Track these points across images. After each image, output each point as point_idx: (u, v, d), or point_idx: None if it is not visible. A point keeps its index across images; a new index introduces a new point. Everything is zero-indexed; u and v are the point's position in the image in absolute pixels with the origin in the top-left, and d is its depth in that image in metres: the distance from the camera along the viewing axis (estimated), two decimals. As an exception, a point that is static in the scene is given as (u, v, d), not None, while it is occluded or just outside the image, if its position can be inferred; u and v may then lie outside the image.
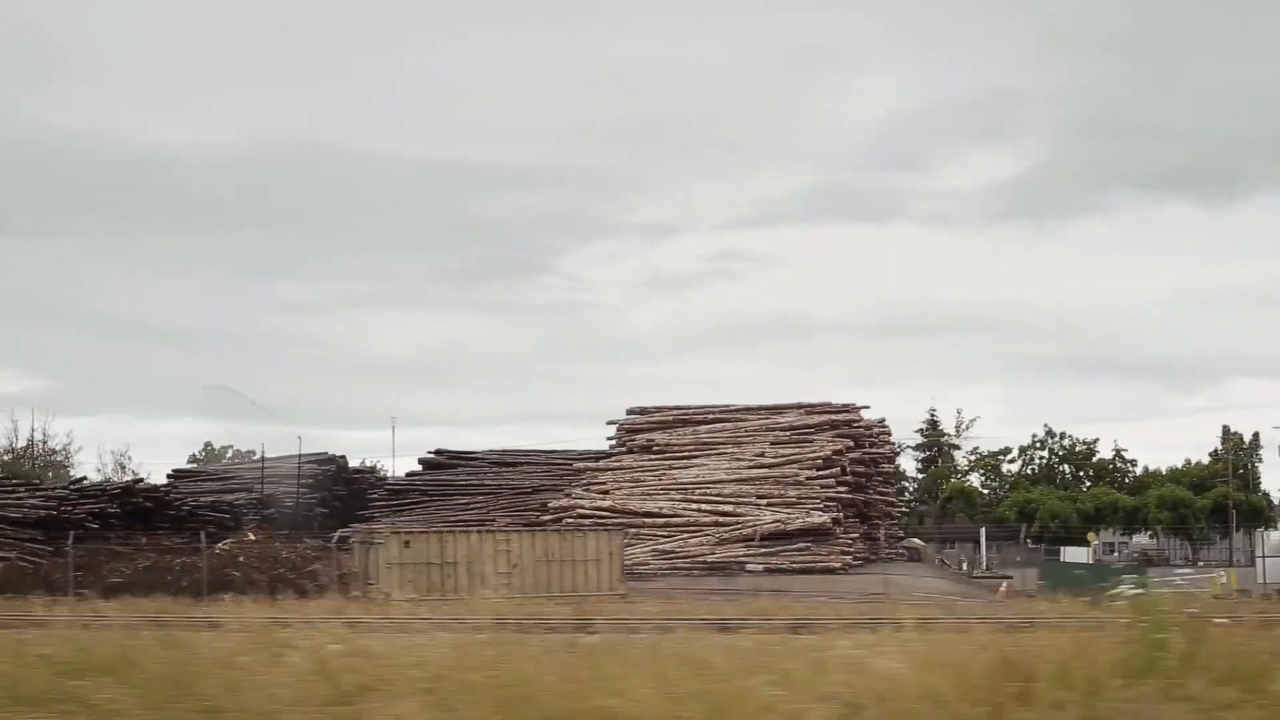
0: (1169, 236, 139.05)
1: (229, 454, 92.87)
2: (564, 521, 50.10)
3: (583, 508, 50.74)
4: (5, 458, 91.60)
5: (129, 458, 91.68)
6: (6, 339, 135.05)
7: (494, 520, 59.56)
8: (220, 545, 38.44)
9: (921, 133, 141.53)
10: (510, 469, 63.02)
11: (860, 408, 56.67)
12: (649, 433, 56.10)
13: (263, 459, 67.44)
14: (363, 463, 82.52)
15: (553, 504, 52.58)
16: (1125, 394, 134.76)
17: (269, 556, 36.17)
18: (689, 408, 57.31)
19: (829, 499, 50.91)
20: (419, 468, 65.56)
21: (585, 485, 53.57)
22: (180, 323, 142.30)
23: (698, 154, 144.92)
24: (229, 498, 68.37)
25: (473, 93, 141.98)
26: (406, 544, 31.91)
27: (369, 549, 32.57)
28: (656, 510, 49.64)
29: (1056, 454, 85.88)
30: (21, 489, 61.77)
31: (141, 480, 65.35)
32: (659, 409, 58.02)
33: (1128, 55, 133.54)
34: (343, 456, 73.87)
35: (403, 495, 62.87)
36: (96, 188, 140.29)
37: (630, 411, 58.40)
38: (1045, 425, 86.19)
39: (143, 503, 63.02)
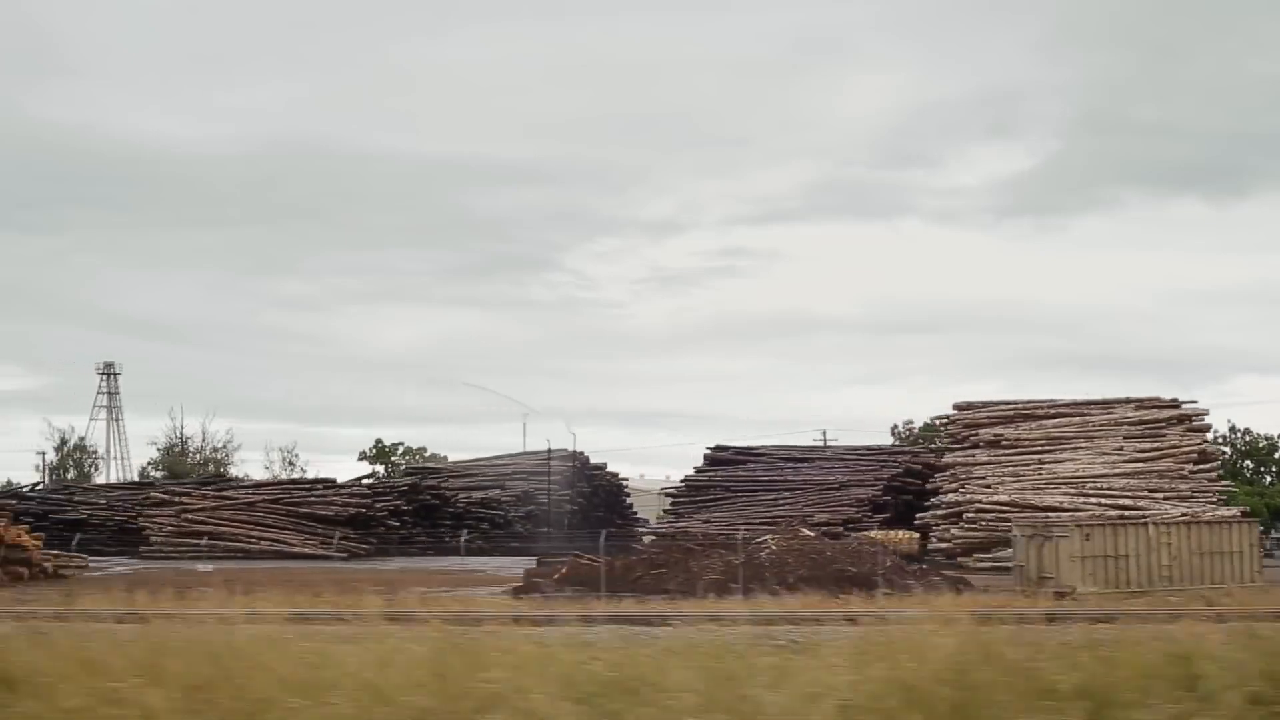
0: (1176, 233, 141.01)
1: (399, 451, 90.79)
2: (964, 516, 49.65)
3: (980, 502, 50.14)
4: (166, 456, 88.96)
5: (297, 455, 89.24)
6: (5, 334, 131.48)
7: (811, 515, 58.78)
8: (766, 539, 37.25)
9: (930, 129, 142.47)
10: (806, 464, 62.23)
11: (1189, 402, 56.76)
12: (991, 427, 55.59)
13: (549, 454, 65.99)
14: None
15: (945, 499, 51.89)
16: (1126, 390, 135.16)
17: (850, 552, 35.14)
18: (1026, 402, 56.82)
19: (1219, 493, 51.02)
20: (700, 464, 64.42)
21: (962, 480, 52.94)
22: (180, 318, 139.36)
23: (704, 150, 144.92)
24: (492, 494, 66.84)
25: (478, 88, 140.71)
26: (1087, 537, 31.18)
27: (1043, 542, 31.76)
28: (1056, 505, 49.19)
29: (1239, 450, 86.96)
30: (320, 487, 59.95)
31: (424, 477, 63.57)
32: (987, 404, 57.44)
33: (1138, 50, 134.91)
34: (583, 453, 72.54)
35: (703, 490, 61.75)
36: (96, 183, 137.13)
37: (957, 407, 57.78)
38: (1228, 420, 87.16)
39: (430, 499, 61.55)
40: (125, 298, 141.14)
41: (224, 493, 58.69)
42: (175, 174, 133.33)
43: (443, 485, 63.72)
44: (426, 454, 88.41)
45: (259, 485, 59.45)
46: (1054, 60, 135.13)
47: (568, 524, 68.19)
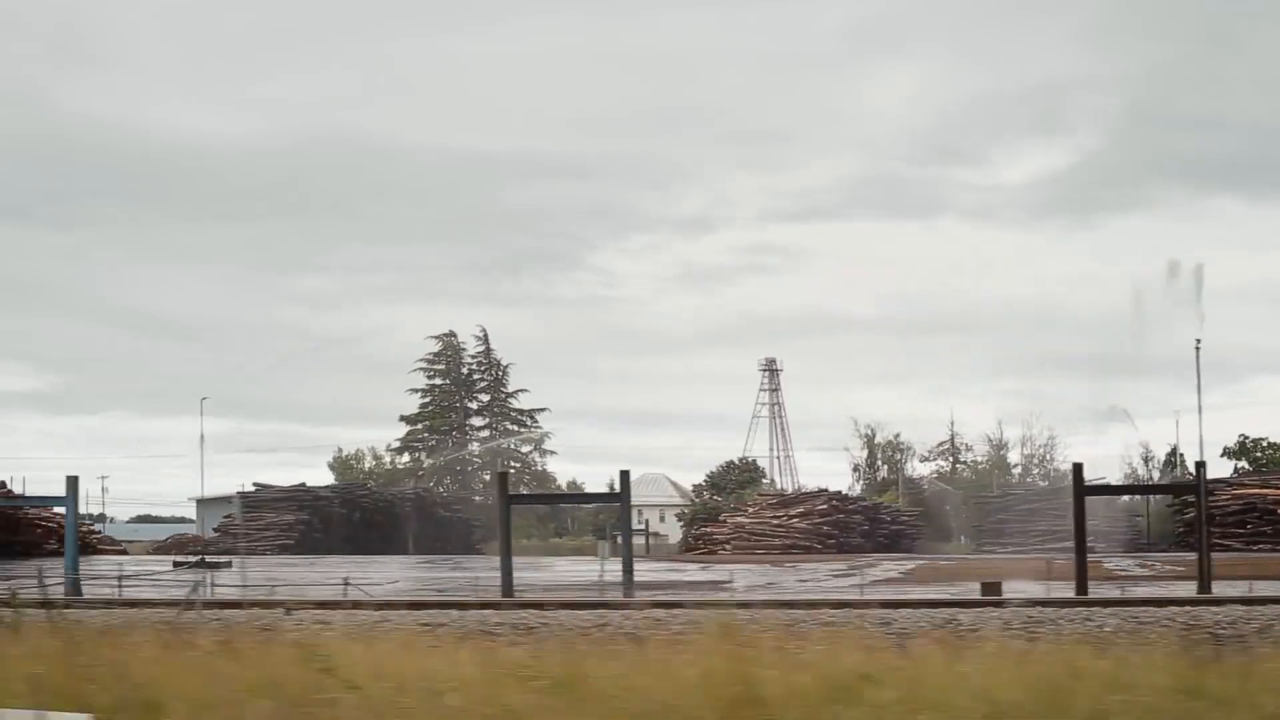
0: (1210, 230, 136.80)
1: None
2: None
3: None
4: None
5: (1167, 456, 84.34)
6: (16, 331, 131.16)
7: None
8: None
9: (973, 124, 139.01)
10: None
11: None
12: None
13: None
14: None
15: None
16: (1142, 390, 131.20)
17: None
18: None
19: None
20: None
21: None
22: (201, 315, 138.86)
23: (742, 145, 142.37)
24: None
25: (510, 81, 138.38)
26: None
27: None
28: None
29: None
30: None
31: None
32: None
33: (1187, 42, 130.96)
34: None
35: None
36: (119, 177, 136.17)
37: None
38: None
39: None
40: (147, 295, 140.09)
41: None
42: (199, 168, 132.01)
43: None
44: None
45: None
46: (1101, 53, 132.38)
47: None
